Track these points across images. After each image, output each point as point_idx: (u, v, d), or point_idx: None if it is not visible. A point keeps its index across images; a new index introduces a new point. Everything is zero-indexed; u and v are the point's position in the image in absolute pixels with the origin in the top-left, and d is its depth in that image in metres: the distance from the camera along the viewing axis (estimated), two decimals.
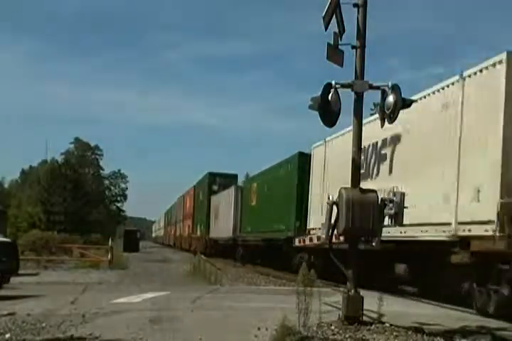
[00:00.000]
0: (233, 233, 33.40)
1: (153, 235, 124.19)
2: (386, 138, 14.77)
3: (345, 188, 8.70)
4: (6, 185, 78.60)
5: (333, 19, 8.79)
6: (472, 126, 11.37)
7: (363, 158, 12.82)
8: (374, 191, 8.81)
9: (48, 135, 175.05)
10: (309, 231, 19.99)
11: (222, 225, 36.72)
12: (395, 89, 8.73)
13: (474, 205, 10.93)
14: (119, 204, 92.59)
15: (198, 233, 46.02)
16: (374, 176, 15.39)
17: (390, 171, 14.65)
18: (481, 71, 11.26)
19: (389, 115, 8.84)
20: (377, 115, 11.05)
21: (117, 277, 21.28)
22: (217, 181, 43.63)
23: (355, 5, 8.91)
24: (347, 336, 7.73)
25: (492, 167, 10.55)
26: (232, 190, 35.29)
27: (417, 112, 12.29)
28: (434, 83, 13.15)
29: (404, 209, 8.76)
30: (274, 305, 10.89)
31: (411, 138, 13.72)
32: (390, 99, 8.70)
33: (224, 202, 37.38)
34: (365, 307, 8.60)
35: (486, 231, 10.33)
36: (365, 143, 12.40)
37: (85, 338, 7.80)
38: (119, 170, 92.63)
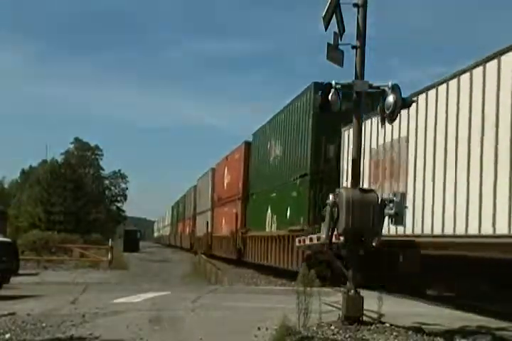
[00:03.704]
0: None
1: (156, 235, 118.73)
2: None
3: (345, 188, 8.70)
4: (6, 185, 78.46)
5: (333, 19, 8.81)
6: None
7: None
8: (374, 191, 8.81)
9: (48, 135, 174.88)
10: None
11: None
12: (395, 89, 8.74)
13: None
14: (119, 204, 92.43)
15: (272, 228, 22.47)
16: None
17: None
18: None
19: (389, 115, 8.85)
20: None
21: (117, 277, 21.30)
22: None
23: (355, 5, 8.92)
24: (347, 336, 7.73)
25: None
26: None
27: None
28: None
29: None
30: (274, 305, 10.89)
31: None
32: (390, 99, 8.71)
33: None
34: (365, 307, 8.60)
35: None
36: None
37: (85, 338, 7.80)
38: (119, 170, 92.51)
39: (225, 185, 33.50)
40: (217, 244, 34.93)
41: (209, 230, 38.29)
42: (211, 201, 38.33)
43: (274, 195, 22.78)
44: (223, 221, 33.28)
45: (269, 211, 23.08)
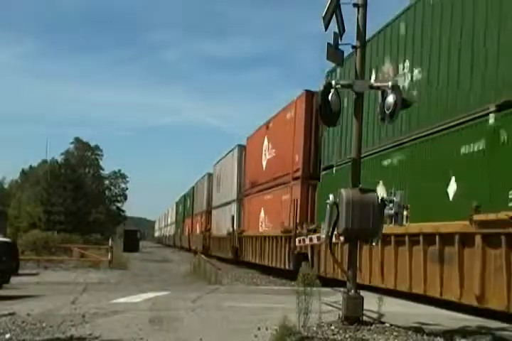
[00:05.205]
0: None
1: (156, 234, 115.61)
2: None
3: (345, 188, 8.70)
4: (6, 185, 78.64)
5: (333, 19, 8.81)
6: None
7: None
8: (374, 191, 8.81)
9: (48, 135, 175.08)
10: None
11: None
12: (395, 89, 8.74)
13: None
14: (119, 204, 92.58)
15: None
16: None
17: None
18: None
19: (389, 115, 8.84)
20: None
21: (117, 277, 21.30)
22: None
23: (355, 5, 8.91)
24: (347, 336, 7.72)
25: None
26: None
27: None
28: None
29: None
30: (274, 305, 10.89)
31: None
32: (390, 99, 8.70)
33: None
34: (365, 307, 8.59)
35: None
36: None
37: (85, 338, 7.80)
38: (119, 170, 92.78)
39: (266, 163, 24.19)
40: (251, 247, 25.77)
41: (235, 228, 29.38)
42: (238, 189, 29.50)
43: (393, 160, 12.86)
44: (262, 214, 24.01)
45: (379, 190, 11.96)
